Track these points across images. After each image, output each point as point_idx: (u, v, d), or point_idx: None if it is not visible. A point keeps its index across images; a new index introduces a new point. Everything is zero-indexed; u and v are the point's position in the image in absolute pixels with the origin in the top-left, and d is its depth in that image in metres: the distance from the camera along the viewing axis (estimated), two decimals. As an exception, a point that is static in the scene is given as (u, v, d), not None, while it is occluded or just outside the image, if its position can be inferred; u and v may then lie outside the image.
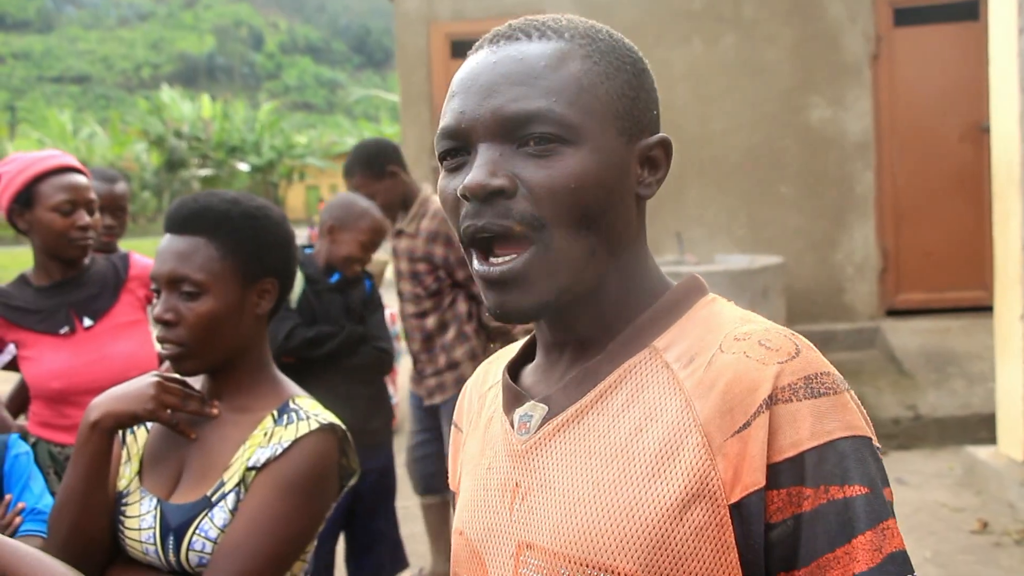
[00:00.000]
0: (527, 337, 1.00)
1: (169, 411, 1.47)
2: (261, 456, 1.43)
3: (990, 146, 4.65)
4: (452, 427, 1.08)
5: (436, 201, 3.46)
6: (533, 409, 0.89)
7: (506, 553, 0.87)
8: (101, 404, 1.46)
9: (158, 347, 2.77)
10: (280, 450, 1.42)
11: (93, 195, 2.48)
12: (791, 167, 6.79)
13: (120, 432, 1.55)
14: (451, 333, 3.43)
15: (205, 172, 30.74)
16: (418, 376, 3.58)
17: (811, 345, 0.83)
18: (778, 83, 6.76)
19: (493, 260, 0.84)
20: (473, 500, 0.93)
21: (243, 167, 32.30)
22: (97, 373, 2.42)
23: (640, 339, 0.87)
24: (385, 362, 3.09)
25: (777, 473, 0.77)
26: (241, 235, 1.49)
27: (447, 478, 1.10)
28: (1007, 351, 4.47)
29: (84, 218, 2.43)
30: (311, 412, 1.49)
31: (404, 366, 6.63)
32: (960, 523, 4.11)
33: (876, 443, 0.81)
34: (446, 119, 0.86)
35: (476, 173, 0.82)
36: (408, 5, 7.30)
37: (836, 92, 6.75)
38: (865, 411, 0.83)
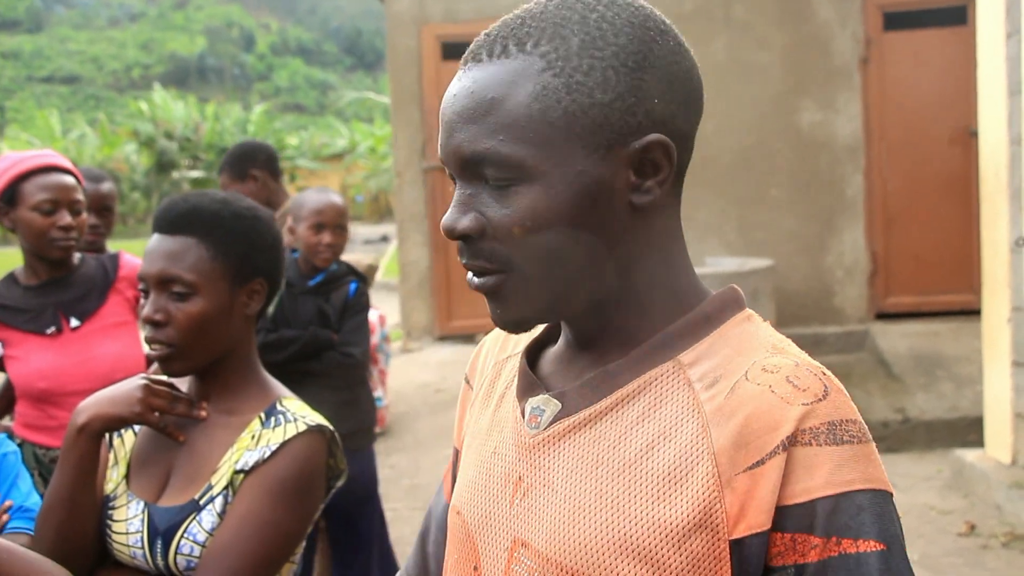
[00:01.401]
0: None
1: (157, 414, 1.46)
2: (249, 459, 1.42)
3: (978, 150, 4.67)
4: (464, 382, 1.06)
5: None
6: (546, 404, 0.87)
7: (501, 546, 0.86)
8: (88, 407, 1.45)
9: (146, 348, 2.76)
10: (268, 453, 1.42)
11: (79, 196, 2.46)
12: (782, 170, 6.82)
13: (107, 435, 1.54)
14: None
15: (196, 173, 30.64)
16: None
17: (841, 388, 0.79)
18: (769, 86, 6.79)
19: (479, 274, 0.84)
20: (475, 483, 0.92)
21: (234, 168, 32.16)
22: (83, 374, 2.41)
23: (666, 350, 0.83)
24: (349, 368, 3.04)
25: (784, 516, 0.75)
26: (232, 236, 1.49)
27: None
28: (994, 354, 4.49)
29: (65, 218, 2.40)
30: (299, 414, 1.49)
31: (393, 368, 6.63)
32: (948, 525, 4.13)
33: (892, 494, 0.78)
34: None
35: (447, 216, 0.83)
36: (399, 7, 7.30)
37: (826, 95, 6.77)
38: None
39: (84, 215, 2.49)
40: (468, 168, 0.82)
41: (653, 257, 0.85)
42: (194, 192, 1.56)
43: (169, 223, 1.48)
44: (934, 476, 4.83)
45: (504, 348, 1.01)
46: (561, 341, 0.93)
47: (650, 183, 0.82)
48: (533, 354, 0.95)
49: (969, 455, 4.64)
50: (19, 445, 2.40)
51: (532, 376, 0.90)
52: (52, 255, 2.44)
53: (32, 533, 1.58)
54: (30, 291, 2.48)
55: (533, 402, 0.88)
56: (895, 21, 6.81)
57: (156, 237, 1.49)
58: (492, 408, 0.96)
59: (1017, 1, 4.09)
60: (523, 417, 0.88)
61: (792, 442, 0.74)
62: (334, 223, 3.03)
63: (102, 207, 3.04)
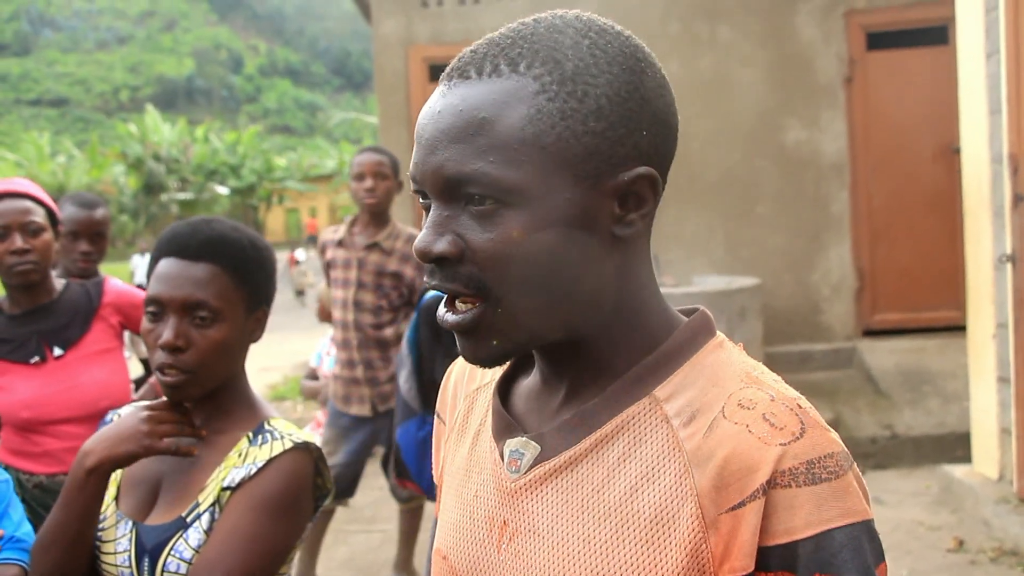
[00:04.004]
0: None
1: (165, 440, 1.46)
2: (236, 476, 1.43)
3: (961, 167, 4.72)
4: (435, 417, 1.05)
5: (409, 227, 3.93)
6: (525, 447, 0.86)
7: None
8: (96, 449, 1.43)
9: (134, 374, 2.73)
10: (255, 469, 1.43)
11: (35, 218, 2.40)
12: (768, 188, 6.86)
13: None
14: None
15: (184, 195, 30.61)
16: (372, 383, 3.81)
17: (817, 420, 0.79)
18: (754, 105, 6.85)
19: (452, 308, 0.82)
20: (459, 526, 0.92)
21: (223, 190, 32.20)
22: (68, 402, 2.40)
23: (641, 386, 0.83)
24: None
25: (767, 556, 0.75)
26: (251, 264, 1.50)
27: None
28: (980, 370, 4.52)
29: (16, 242, 2.36)
30: (285, 432, 1.49)
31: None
32: (936, 541, 4.14)
33: (871, 518, 0.79)
34: (410, 165, 0.84)
35: (422, 236, 0.80)
36: (387, 29, 7.34)
37: (811, 114, 6.84)
38: (864, 484, 0.81)
39: (48, 235, 2.43)
40: (449, 189, 0.79)
41: (628, 287, 0.84)
42: (203, 218, 1.55)
43: (194, 249, 1.46)
44: (922, 492, 4.85)
45: (472, 379, 1.00)
46: (535, 376, 0.91)
47: (633, 216, 0.82)
48: (504, 388, 0.94)
49: (957, 471, 4.66)
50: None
51: (507, 416, 0.89)
52: (12, 280, 2.41)
53: (24, 564, 1.58)
54: (13, 320, 2.46)
55: (511, 444, 0.87)
56: (878, 41, 6.89)
57: (175, 262, 1.47)
58: (468, 445, 0.95)
59: (996, 21, 4.15)
60: (502, 460, 0.88)
61: (771, 485, 0.75)
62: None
63: (95, 233, 3.02)
